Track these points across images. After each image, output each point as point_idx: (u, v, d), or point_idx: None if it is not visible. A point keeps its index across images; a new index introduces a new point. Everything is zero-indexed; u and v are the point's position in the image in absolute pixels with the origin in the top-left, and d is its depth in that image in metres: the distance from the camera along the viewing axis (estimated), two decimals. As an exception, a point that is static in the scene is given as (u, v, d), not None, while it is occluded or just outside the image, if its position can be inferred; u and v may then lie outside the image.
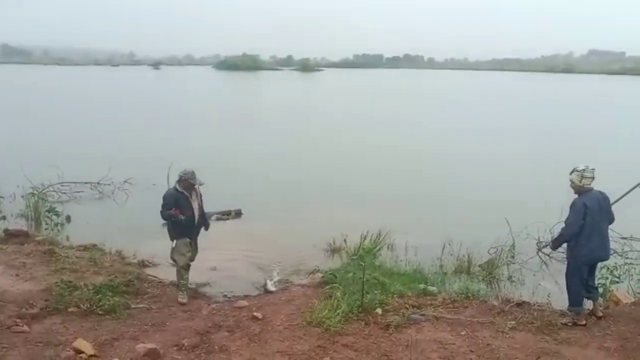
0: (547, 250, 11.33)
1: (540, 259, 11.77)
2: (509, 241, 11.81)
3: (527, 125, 35.67)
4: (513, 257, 11.72)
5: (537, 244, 12.00)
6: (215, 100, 49.38)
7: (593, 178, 7.74)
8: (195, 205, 8.94)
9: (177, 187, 8.82)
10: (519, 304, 8.67)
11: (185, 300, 8.76)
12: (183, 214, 8.68)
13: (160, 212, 8.79)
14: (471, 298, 8.94)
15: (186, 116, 33.00)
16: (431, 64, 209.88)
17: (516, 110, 45.58)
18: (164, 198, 8.84)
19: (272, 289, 9.66)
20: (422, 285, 9.35)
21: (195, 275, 10.04)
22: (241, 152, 24.27)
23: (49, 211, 13.56)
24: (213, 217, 14.21)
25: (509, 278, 10.91)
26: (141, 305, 8.55)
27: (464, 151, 25.61)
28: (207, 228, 9.41)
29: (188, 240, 8.97)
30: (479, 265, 11.12)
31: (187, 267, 9.01)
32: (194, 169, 8.90)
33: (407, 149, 26.04)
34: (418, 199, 16.72)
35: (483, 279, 10.71)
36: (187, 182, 8.77)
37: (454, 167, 21.68)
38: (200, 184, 8.91)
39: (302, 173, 20.01)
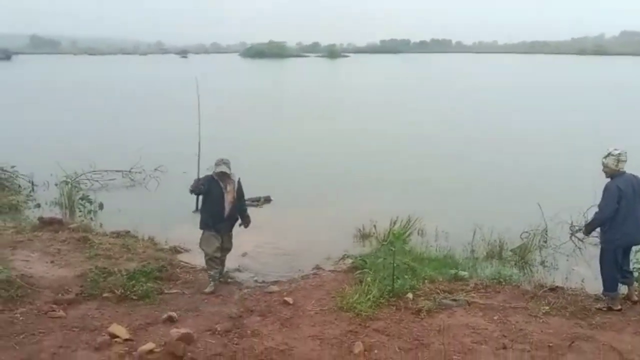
0: (581, 234, 11.17)
1: (574, 243, 11.61)
2: (542, 226, 11.66)
3: (562, 107, 35.08)
4: (546, 241, 11.57)
5: (570, 228, 11.83)
6: (244, 88, 49.49)
7: (626, 161, 7.63)
8: (227, 197, 8.81)
9: (213, 173, 8.79)
10: (553, 289, 8.59)
11: (208, 290, 8.70)
12: (210, 197, 8.70)
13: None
14: (503, 283, 8.88)
15: (216, 103, 33.13)
16: (459, 48, 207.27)
17: (548, 93, 44.79)
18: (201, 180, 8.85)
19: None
20: (453, 271, 9.31)
21: (226, 261, 10.14)
22: (269, 139, 24.31)
23: (82, 199, 13.77)
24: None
25: (542, 263, 10.78)
26: (174, 291, 8.66)
27: (496, 134, 25.31)
28: (245, 225, 9.24)
29: (214, 233, 8.87)
30: (511, 250, 11.00)
31: (215, 259, 8.94)
32: (228, 158, 8.84)
33: (437, 133, 25.75)
34: (448, 183, 16.55)
35: (515, 264, 10.60)
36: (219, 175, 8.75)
37: (485, 151, 21.44)
38: (219, 171, 8.67)
39: (332, 159, 19.96)
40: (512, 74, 69.34)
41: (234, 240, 9.31)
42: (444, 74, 70.14)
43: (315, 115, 32.31)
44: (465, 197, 15.09)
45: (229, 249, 9.29)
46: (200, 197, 8.95)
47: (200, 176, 8.87)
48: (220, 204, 8.76)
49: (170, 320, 7.45)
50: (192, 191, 8.79)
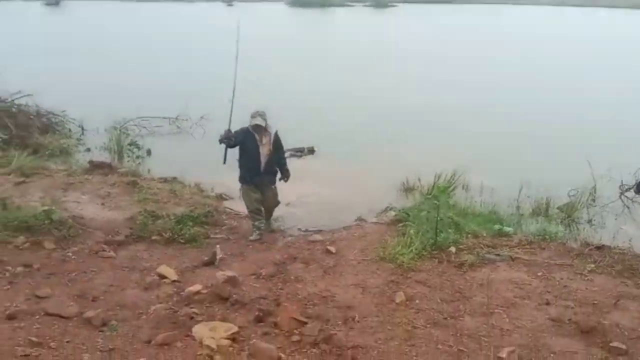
0: (631, 193, 10.91)
1: (623, 202, 11.32)
2: (590, 183, 11.42)
3: (618, 63, 33.68)
4: (594, 200, 11.34)
5: (620, 187, 11.51)
6: (292, 37, 48.97)
7: None
8: (263, 150, 8.66)
9: (249, 126, 8.65)
10: (599, 248, 8.46)
11: (253, 238, 8.78)
12: (245, 150, 8.64)
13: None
14: (549, 240, 8.80)
15: (265, 53, 32.95)
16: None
17: (605, 48, 43.02)
18: (234, 132, 8.75)
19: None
20: (497, 226, 9.23)
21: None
22: (315, 88, 24.12)
23: (130, 144, 14.00)
24: (287, 154, 14.32)
25: (589, 221, 10.60)
26: (220, 236, 8.85)
27: (547, 88, 24.52)
28: (285, 178, 9.10)
29: (252, 186, 8.82)
30: (558, 208, 10.81)
31: (256, 211, 8.93)
32: (264, 109, 8.73)
33: (486, 87, 25.10)
34: (496, 138, 16.20)
35: (562, 222, 10.43)
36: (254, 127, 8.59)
37: (535, 105, 20.85)
38: (254, 124, 8.51)
39: (376, 112, 19.71)
40: (568, 26, 66.73)
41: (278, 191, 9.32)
42: (497, 26, 67.90)
43: (360, 66, 31.81)
44: (512, 152, 14.76)
45: (274, 205, 9.18)
46: (229, 150, 8.83)
47: (233, 128, 8.77)
48: (256, 158, 8.64)
49: (212, 261, 7.63)
50: (220, 141, 8.66)
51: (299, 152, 14.50)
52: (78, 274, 7.10)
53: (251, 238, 8.80)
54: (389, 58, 35.42)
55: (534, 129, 17.26)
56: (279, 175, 9.13)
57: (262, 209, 9.06)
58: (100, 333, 5.54)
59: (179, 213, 9.27)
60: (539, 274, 7.52)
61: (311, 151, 14.75)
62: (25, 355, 4.94)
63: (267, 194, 8.93)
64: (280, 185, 9.30)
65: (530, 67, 31.70)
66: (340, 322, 6.14)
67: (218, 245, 8.03)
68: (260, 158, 8.66)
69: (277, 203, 9.21)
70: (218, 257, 7.71)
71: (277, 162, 9.01)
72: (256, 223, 8.96)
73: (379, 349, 5.59)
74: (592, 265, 7.70)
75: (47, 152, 13.00)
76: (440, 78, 27.03)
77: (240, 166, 8.86)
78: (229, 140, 8.64)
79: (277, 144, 8.82)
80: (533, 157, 14.25)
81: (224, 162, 8.92)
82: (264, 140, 8.64)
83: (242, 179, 8.91)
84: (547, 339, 5.98)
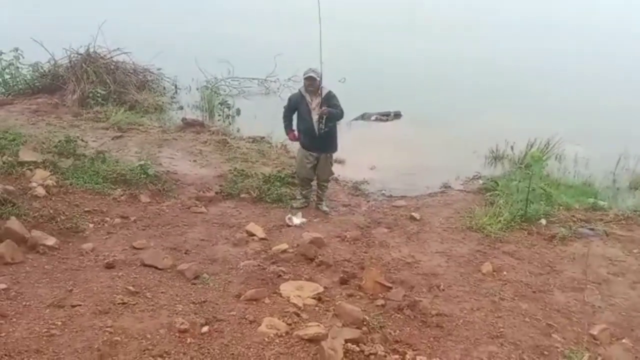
0: None
1: None
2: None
3: None
4: (698, 175, 10.67)
5: None
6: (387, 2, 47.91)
7: None
8: (314, 115, 8.04)
9: (301, 89, 8.14)
10: (702, 226, 7.99)
11: (295, 205, 8.44)
12: (299, 114, 8.19)
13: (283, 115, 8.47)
14: (647, 216, 8.37)
15: (350, 14, 32.49)
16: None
17: None
18: (288, 99, 8.43)
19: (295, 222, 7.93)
20: (591, 199, 8.90)
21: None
22: (404, 53, 23.59)
23: (221, 104, 14.27)
24: (372, 118, 14.26)
25: (692, 198, 10.00)
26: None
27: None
28: (326, 111, 7.92)
29: (307, 153, 8.30)
30: (657, 182, 10.28)
31: (305, 181, 8.55)
32: (316, 67, 7.94)
33: (588, 54, 23.75)
34: (594, 107, 15.37)
35: (661, 197, 9.92)
36: (306, 82, 8.01)
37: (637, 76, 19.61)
38: (307, 76, 7.88)
39: (467, 76, 19.07)
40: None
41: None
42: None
43: (453, 31, 30.80)
44: (611, 122, 13.96)
45: (325, 175, 8.52)
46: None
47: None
48: (310, 122, 8.08)
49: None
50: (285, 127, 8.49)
51: (385, 116, 14.37)
52: (172, 228, 7.37)
53: (294, 205, 8.48)
54: (482, 24, 34.00)
55: (634, 99, 16.26)
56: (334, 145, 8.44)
57: (313, 179, 8.59)
58: (193, 286, 5.75)
59: (266, 173, 9.44)
60: (635, 250, 7.23)
61: (397, 115, 14.57)
62: (123, 303, 5.19)
63: (321, 162, 8.37)
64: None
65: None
66: (425, 290, 6.12)
67: (300, 212, 8.13)
68: (313, 122, 8.07)
69: (329, 174, 8.63)
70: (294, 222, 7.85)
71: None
72: (304, 192, 8.61)
73: (465, 318, 5.55)
74: (694, 245, 7.30)
75: (142, 109, 13.44)
76: (533, 45, 25.79)
77: (298, 131, 8.38)
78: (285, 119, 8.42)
79: (327, 103, 7.96)
80: (632, 128, 13.44)
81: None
82: (314, 102, 8.02)
83: (301, 144, 8.43)
84: (642, 318, 5.75)
